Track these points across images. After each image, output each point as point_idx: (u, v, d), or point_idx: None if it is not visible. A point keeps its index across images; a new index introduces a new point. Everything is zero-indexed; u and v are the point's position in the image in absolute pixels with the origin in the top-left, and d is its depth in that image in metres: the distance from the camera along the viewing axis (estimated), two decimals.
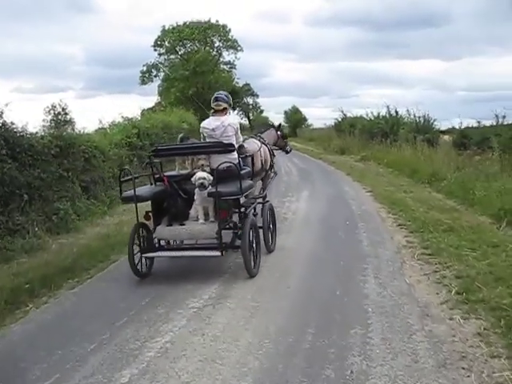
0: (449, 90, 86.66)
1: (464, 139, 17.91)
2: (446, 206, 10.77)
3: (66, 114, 35.06)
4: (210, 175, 6.44)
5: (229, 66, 60.92)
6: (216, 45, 59.39)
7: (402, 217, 10.01)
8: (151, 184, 7.06)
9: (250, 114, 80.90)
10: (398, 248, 7.75)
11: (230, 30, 58.12)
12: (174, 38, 56.28)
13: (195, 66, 54.90)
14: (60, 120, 32.58)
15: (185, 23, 56.45)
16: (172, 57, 59.15)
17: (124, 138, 13.67)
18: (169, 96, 56.85)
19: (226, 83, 59.53)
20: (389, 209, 11.00)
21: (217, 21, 57.61)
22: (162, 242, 6.97)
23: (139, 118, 16.58)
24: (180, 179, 6.87)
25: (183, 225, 6.66)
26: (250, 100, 78.29)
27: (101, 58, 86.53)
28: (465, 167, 14.41)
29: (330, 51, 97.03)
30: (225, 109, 7.21)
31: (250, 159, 7.54)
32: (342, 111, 33.99)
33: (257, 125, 35.27)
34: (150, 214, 6.73)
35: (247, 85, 76.02)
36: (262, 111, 78.92)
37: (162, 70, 57.77)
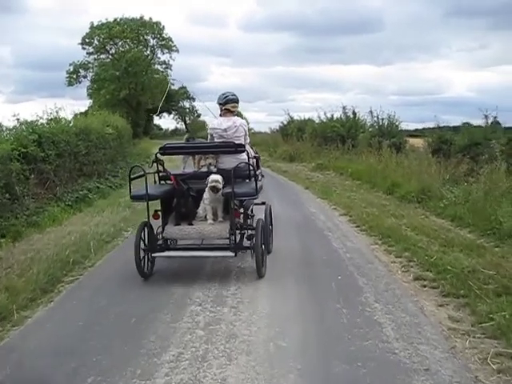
0: (381, 94, 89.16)
1: (442, 144, 15.06)
2: (465, 241, 7.69)
3: None
4: (222, 178, 6.34)
5: (164, 66, 57.00)
6: (150, 44, 55.38)
7: (414, 261, 6.93)
8: (155, 182, 6.96)
9: (187, 118, 78.19)
10: (450, 340, 4.52)
11: (163, 27, 54.20)
12: (103, 35, 51.89)
13: (127, 66, 50.84)
14: None
15: (115, 20, 52.17)
16: (102, 56, 54.72)
17: (16, 149, 9.98)
18: (99, 98, 52.67)
19: (160, 84, 55.81)
20: (386, 246, 7.90)
21: (150, 18, 53.59)
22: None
23: (42, 122, 12.78)
24: (186, 178, 6.71)
25: (191, 224, 6.55)
26: (186, 104, 75.94)
27: (31, 61, 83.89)
28: (460, 181, 11.47)
29: (265, 56, 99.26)
30: (236, 109, 7.28)
31: (255, 161, 7.27)
32: (288, 113, 30.95)
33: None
34: (159, 212, 6.68)
35: (183, 88, 72.87)
36: (198, 115, 76.68)
37: (90, 69, 53.17)
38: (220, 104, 7.21)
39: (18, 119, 12.33)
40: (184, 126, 79.20)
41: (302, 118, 29.58)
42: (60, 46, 73.73)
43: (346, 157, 19.36)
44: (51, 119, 13.48)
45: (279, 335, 4.63)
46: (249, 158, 6.81)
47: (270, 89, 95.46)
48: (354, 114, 22.60)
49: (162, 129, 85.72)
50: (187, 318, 5.10)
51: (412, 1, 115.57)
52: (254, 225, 6.91)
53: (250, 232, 6.79)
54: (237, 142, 6.79)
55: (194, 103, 75.41)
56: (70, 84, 52.82)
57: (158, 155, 6.85)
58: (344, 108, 23.11)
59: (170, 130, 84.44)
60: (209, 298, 5.71)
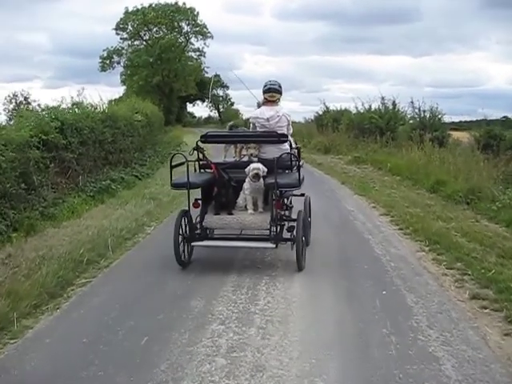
0: (417, 86, 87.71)
1: (491, 139, 14.02)
2: None
3: (28, 103, 32.25)
4: (264, 167, 6.26)
5: (197, 53, 56.38)
6: (184, 30, 54.76)
7: (468, 275, 6.08)
8: (195, 171, 6.80)
9: (220, 107, 77.86)
10: None
11: (198, 13, 53.46)
12: (137, 21, 51.46)
13: (160, 52, 50.33)
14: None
15: (150, 5, 51.69)
16: (136, 43, 54.37)
17: (36, 135, 9.36)
18: (132, 85, 52.41)
19: (194, 72, 55.29)
20: (434, 254, 7.02)
21: (184, 4, 52.88)
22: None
23: (66, 107, 12.17)
24: (227, 167, 6.68)
25: (231, 214, 6.48)
26: (219, 92, 75.65)
27: (68, 47, 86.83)
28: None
29: (300, 45, 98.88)
30: (278, 99, 7.04)
31: (296, 151, 7.05)
32: (324, 103, 29.92)
33: None
34: (200, 201, 6.62)
35: (217, 76, 72.43)
36: (232, 104, 76.65)
37: (124, 55, 52.78)
38: (262, 93, 7.06)
39: (39, 105, 11.80)
40: (217, 114, 79.00)
41: (338, 109, 28.59)
42: (97, 33, 74.67)
43: (385, 150, 18.36)
44: (74, 104, 12.86)
45: (315, 369, 3.85)
46: (291, 148, 6.90)
47: (304, 78, 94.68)
48: (394, 105, 21.52)
49: (195, 117, 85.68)
50: (207, 341, 4.35)
51: None
52: (293, 216, 6.90)
53: (290, 224, 6.60)
54: (279, 131, 6.68)
55: (228, 91, 75.31)
56: (103, 69, 52.72)
57: (199, 143, 6.76)
58: (383, 99, 22.09)
59: (203, 117, 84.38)
60: (233, 314, 4.95)
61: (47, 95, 73.59)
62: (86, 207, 10.00)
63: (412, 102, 19.27)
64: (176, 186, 6.60)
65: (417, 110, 19.08)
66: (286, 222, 6.71)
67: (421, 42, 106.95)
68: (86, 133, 11.67)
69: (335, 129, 25.28)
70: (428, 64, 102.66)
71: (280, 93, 7.09)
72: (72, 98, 13.80)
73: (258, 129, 7.01)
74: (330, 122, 26.81)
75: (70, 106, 13.00)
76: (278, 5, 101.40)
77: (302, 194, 7.35)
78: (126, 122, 15.69)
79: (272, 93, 6.97)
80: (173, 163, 6.62)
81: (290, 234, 6.43)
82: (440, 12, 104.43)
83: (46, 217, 8.72)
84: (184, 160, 6.58)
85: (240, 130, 7.83)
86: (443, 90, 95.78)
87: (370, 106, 22.79)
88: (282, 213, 6.75)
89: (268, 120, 6.85)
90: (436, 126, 17.93)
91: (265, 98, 7.03)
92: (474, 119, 16.55)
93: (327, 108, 29.45)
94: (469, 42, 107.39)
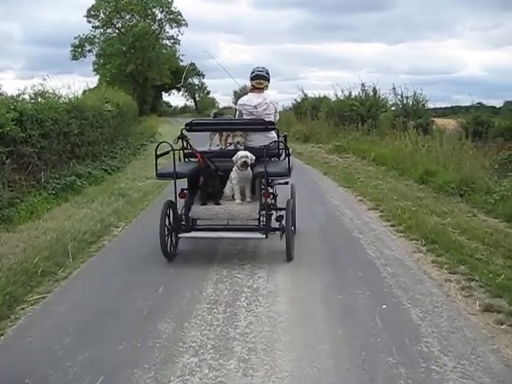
0: (393, 73, 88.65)
1: (478, 126, 13.37)
2: None
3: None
4: (252, 155, 6.12)
5: (172, 41, 55.07)
6: (157, 18, 53.40)
7: (475, 280, 5.38)
8: (180, 160, 6.55)
9: (196, 95, 76.90)
10: None
11: (172, 0, 52.04)
12: (109, 8, 49.99)
13: (133, 40, 49.00)
14: None
15: None
16: (109, 31, 52.87)
17: None
18: (105, 74, 51.04)
19: (168, 60, 54.07)
20: (433, 255, 6.30)
21: None
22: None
23: (25, 97, 11.20)
24: (213, 156, 6.52)
25: (218, 204, 6.31)
26: (195, 80, 74.64)
27: (41, 37, 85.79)
28: (505, 170, 9.87)
29: (276, 33, 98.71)
30: (266, 86, 6.90)
31: (283, 139, 6.93)
32: (302, 90, 29.21)
33: None
34: (186, 191, 6.42)
35: (192, 64, 71.19)
36: (208, 92, 76.00)
37: (96, 43, 51.31)
38: (250, 80, 6.91)
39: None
40: (193, 103, 77.92)
41: (317, 96, 27.87)
42: (71, 22, 72.82)
43: (367, 138, 17.68)
44: (36, 94, 11.90)
45: None
46: (278, 136, 6.76)
47: (280, 66, 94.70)
48: (375, 91, 20.88)
49: (171, 106, 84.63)
50: (176, 381, 3.55)
51: None
52: (278, 205, 6.83)
53: (278, 213, 6.45)
54: (267, 119, 6.58)
55: (204, 80, 74.26)
56: (75, 58, 51.16)
57: (184, 131, 6.59)
58: (363, 85, 21.42)
59: (179, 107, 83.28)
60: (209, 340, 4.14)
61: (20, 86, 71.29)
62: (48, 207, 9.07)
63: (394, 89, 18.62)
64: (162, 175, 6.41)
65: (399, 97, 18.34)
66: (274, 212, 6.50)
67: (396, 30, 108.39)
68: (49, 125, 10.71)
69: (314, 116, 24.55)
70: (403, 51, 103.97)
71: (268, 80, 6.93)
72: (34, 86, 12.81)
73: (244, 116, 6.87)
74: (308, 109, 26.14)
75: (32, 95, 12.02)
76: None
77: (286, 183, 6.97)
78: (94, 113, 14.71)
79: (259, 79, 6.83)
80: (158, 152, 6.39)
81: (278, 223, 6.24)
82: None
83: (0, 220, 7.82)
84: (169, 149, 6.36)
85: (226, 117, 7.71)
86: (419, 77, 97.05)
87: (350, 93, 22.16)
88: (269, 202, 6.47)
89: (256, 107, 6.71)
90: (420, 113, 17.27)
91: (252, 85, 6.89)
92: (455, 105, 16.03)
93: (305, 95, 28.80)
94: (444, 28, 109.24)
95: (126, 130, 20.80)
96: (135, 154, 17.30)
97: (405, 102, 18.16)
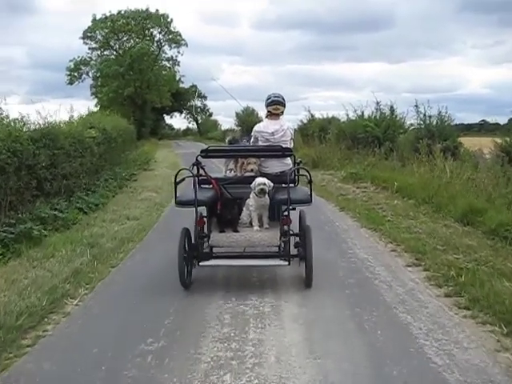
0: (395, 92, 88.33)
1: None
2: None
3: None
4: (270, 181, 6.07)
5: (171, 62, 53.34)
6: (156, 38, 51.73)
7: None
8: (194, 187, 6.19)
9: (198, 118, 75.69)
10: None
11: (171, 20, 50.45)
12: (106, 29, 48.35)
13: (131, 62, 47.19)
14: None
15: (119, 12, 48.59)
16: (106, 53, 51.21)
17: None
18: (102, 97, 49.35)
19: (168, 82, 52.35)
20: None
21: (157, 10, 49.86)
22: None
23: None
24: (228, 183, 6.50)
25: (237, 231, 6.21)
26: (197, 102, 73.50)
27: (45, 62, 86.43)
28: None
29: (277, 54, 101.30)
30: (282, 112, 6.82)
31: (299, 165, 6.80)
32: (309, 110, 27.19)
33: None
34: (205, 219, 6.47)
35: (194, 86, 69.83)
36: (210, 114, 74.84)
37: (93, 65, 49.59)
38: (265, 106, 6.87)
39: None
40: (196, 126, 76.47)
41: (325, 116, 25.82)
42: (73, 47, 71.92)
43: (386, 164, 15.50)
44: None
45: None
46: (295, 162, 6.69)
47: (282, 87, 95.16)
48: (392, 110, 18.75)
49: (173, 128, 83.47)
50: None
51: None
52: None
53: (296, 239, 6.40)
54: (284, 145, 6.53)
55: (206, 102, 73.01)
56: (71, 82, 49.33)
57: (199, 158, 6.48)
58: (378, 103, 19.31)
59: (181, 129, 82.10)
60: None
61: (24, 111, 70.79)
62: None
63: (417, 106, 16.33)
64: (182, 203, 6.34)
65: (421, 116, 16.16)
66: (293, 238, 6.35)
67: (397, 49, 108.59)
68: (4, 157, 8.64)
69: (323, 139, 22.42)
70: (405, 70, 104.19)
71: (284, 105, 6.84)
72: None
73: (260, 143, 6.80)
74: (315, 131, 24.02)
75: None
76: (255, 15, 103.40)
77: (294, 208, 6.51)
78: (72, 140, 12.62)
79: (276, 105, 6.77)
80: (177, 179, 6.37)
81: (296, 249, 6.20)
82: (414, 18, 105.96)
83: None
84: (188, 175, 6.34)
85: (241, 143, 7.50)
86: (421, 96, 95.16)
87: (363, 113, 20.03)
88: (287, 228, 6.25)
89: (273, 134, 6.68)
90: (446, 135, 15.08)
91: (268, 111, 6.83)
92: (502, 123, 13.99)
93: (312, 116, 26.74)
94: (444, 46, 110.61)
95: (115, 157, 18.74)
96: (122, 186, 15.14)
97: (428, 121, 15.96)
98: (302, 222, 6.70)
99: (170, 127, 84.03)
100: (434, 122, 15.85)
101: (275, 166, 6.55)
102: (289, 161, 6.65)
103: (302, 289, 6.02)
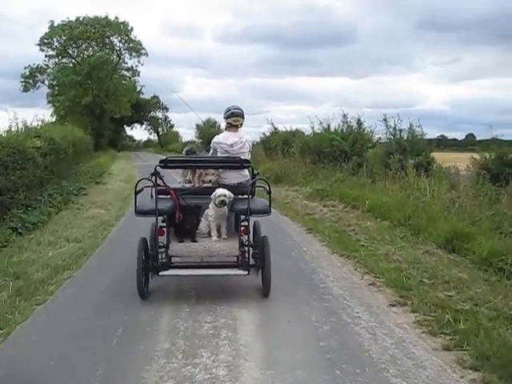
0: (356, 107, 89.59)
1: (505, 166, 10.38)
2: None
3: None
4: (230, 193, 6.14)
5: (130, 72, 51.82)
6: (116, 47, 50.18)
7: None
8: (151, 197, 6.30)
9: (160, 129, 74.49)
10: None
11: (132, 28, 49.03)
12: (64, 36, 46.63)
13: (89, 70, 45.52)
14: None
15: (77, 19, 46.92)
16: (64, 60, 49.38)
17: None
18: (59, 106, 47.57)
19: (128, 92, 50.87)
20: None
21: (116, 18, 48.38)
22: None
23: None
24: (187, 193, 6.51)
25: (195, 241, 6.22)
26: (159, 114, 72.38)
27: (3, 70, 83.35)
28: None
29: (241, 67, 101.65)
30: (241, 124, 6.92)
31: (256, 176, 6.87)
32: (272, 123, 26.13)
33: None
34: (164, 229, 6.37)
35: (155, 97, 68.61)
36: (172, 126, 73.61)
37: (50, 73, 47.78)
38: (224, 118, 6.93)
39: None
40: (156, 137, 75.14)
41: (288, 129, 24.84)
42: (33, 55, 70.20)
43: (355, 181, 14.48)
44: None
45: None
46: (253, 173, 6.75)
47: (244, 100, 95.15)
48: (360, 123, 17.82)
49: (134, 140, 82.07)
50: None
51: (384, 13, 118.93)
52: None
53: (255, 249, 6.41)
54: (242, 157, 6.51)
55: (168, 113, 72.00)
56: (26, 90, 47.26)
57: (158, 168, 6.30)
58: (345, 116, 18.37)
59: (142, 141, 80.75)
60: None
61: None
62: None
63: (385, 120, 15.40)
64: (142, 213, 6.23)
65: (391, 129, 15.22)
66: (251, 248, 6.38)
67: (358, 64, 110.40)
68: None
69: (286, 153, 21.35)
70: (365, 85, 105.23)
71: (243, 117, 6.93)
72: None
73: (219, 154, 6.81)
74: (279, 144, 22.92)
75: None
76: (219, 29, 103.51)
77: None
78: (11, 150, 11.25)
79: (236, 117, 6.82)
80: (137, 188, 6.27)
81: (253, 259, 6.24)
82: (376, 35, 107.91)
83: None
84: (148, 184, 6.26)
85: (200, 154, 7.52)
86: (381, 111, 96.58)
87: (329, 126, 19.07)
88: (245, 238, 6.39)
89: (232, 146, 6.73)
90: (418, 149, 14.18)
91: (228, 123, 6.87)
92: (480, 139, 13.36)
93: (275, 129, 25.68)
94: (404, 63, 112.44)
95: (64, 170, 17.32)
96: (67, 201, 13.71)
97: (398, 135, 15.04)
98: (257, 233, 6.79)
99: (131, 138, 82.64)
100: (405, 136, 14.91)
101: (233, 177, 6.61)
102: (246, 172, 6.72)
103: (267, 339, 4.85)
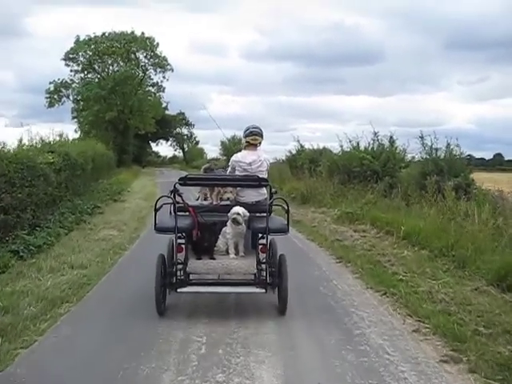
0: (382, 125, 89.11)
1: None
2: None
3: None
4: (245, 211, 6.18)
5: (155, 87, 51.48)
6: (141, 62, 49.86)
7: None
8: (170, 214, 6.44)
9: (185, 145, 74.28)
10: None
11: (157, 44, 48.69)
12: (90, 51, 46.45)
13: (114, 85, 45.18)
14: None
15: (103, 34, 46.75)
16: (90, 76, 49.16)
17: None
18: (82, 121, 47.36)
19: (153, 108, 50.47)
20: None
21: (142, 33, 48.11)
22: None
23: None
24: (205, 211, 6.58)
25: (213, 259, 6.28)
26: (184, 130, 72.24)
27: (33, 85, 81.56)
28: None
29: (267, 85, 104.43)
30: (259, 142, 6.98)
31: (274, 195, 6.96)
32: (298, 140, 25.17)
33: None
34: (183, 246, 6.38)
35: (181, 114, 68.47)
36: (197, 142, 73.36)
37: (75, 88, 47.62)
38: (243, 137, 6.99)
39: None
40: (182, 154, 74.93)
41: (315, 148, 23.87)
42: (60, 70, 71.35)
43: (387, 203, 13.44)
44: None
45: None
46: (271, 192, 6.80)
47: (270, 117, 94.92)
48: (392, 141, 16.78)
49: (160, 156, 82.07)
50: None
51: (412, 33, 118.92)
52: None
53: (272, 268, 6.38)
54: (260, 176, 6.60)
55: (193, 130, 71.95)
56: (51, 105, 47.04)
57: (177, 185, 6.49)
58: (376, 134, 17.35)
59: (168, 157, 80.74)
60: None
61: (12, 134, 71.81)
62: None
63: (422, 137, 14.32)
64: (161, 230, 6.27)
65: (427, 148, 14.15)
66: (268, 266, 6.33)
67: (385, 83, 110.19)
68: None
69: (313, 172, 20.39)
70: (392, 104, 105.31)
71: (262, 136, 6.93)
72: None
73: (237, 172, 6.84)
74: (305, 163, 21.96)
75: None
76: (246, 46, 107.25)
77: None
78: (19, 166, 10.47)
79: (255, 136, 6.84)
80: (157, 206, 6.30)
81: (271, 278, 6.23)
82: (403, 53, 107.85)
83: None
84: (167, 202, 6.37)
85: (217, 172, 7.47)
86: (407, 129, 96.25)
87: (358, 144, 18.05)
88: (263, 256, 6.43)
89: (250, 164, 6.76)
90: (456, 170, 13.10)
91: (247, 142, 6.89)
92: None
93: (302, 146, 24.73)
94: (431, 82, 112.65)
95: (79, 187, 16.58)
96: (80, 221, 12.91)
97: (434, 154, 13.97)
98: (273, 251, 6.72)
99: (157, 154, 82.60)
100: (442, 156, 13.84)
101: (251, 195, 6.66)
102: (264, 191, 6.79)
103: None
